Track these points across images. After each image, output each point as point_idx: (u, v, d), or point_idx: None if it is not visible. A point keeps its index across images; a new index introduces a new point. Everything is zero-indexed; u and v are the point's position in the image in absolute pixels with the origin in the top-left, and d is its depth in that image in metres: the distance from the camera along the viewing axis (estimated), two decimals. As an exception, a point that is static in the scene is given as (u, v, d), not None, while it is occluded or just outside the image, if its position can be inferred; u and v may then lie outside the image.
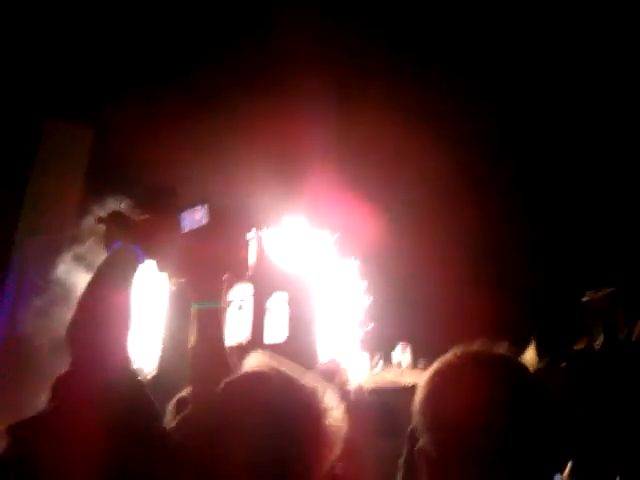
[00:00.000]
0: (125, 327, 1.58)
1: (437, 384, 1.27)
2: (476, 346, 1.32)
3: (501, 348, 1.30)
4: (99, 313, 1.59)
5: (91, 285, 1.67)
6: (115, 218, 1.76)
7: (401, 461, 2.05)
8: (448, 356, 1.31)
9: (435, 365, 1.31)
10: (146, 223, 1.71)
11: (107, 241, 1.80)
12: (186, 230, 1.62)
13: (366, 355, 17.55)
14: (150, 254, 1.75)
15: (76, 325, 1.58)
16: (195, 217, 1.56)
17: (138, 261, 1.77)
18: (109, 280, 1.69)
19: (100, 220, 1.75)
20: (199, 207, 1.58)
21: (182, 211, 1.63)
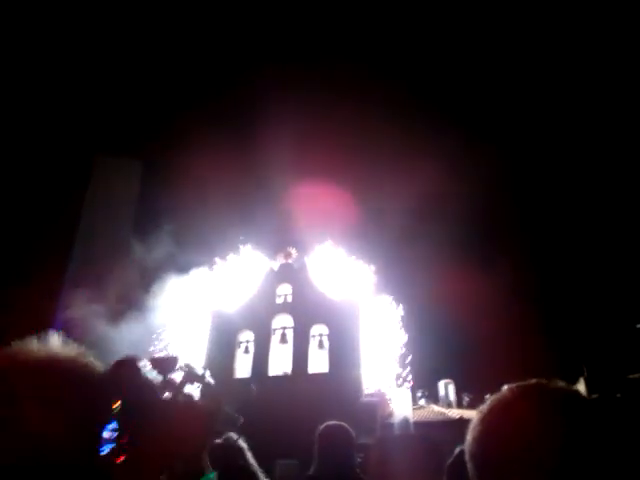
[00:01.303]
0: None
1: (491, 423, 1.16)
2: (533, 381, 1.21)
3: (560, 382, 1.19)
4: None
5: None
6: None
7: None
8: (502, 392, 1.20)
9: (488, 402, 1.21)
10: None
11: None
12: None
13: (409, 389, 17.30)
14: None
15: None
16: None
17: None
18: None
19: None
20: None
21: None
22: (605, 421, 1.09)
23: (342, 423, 3.85)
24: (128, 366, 1.38)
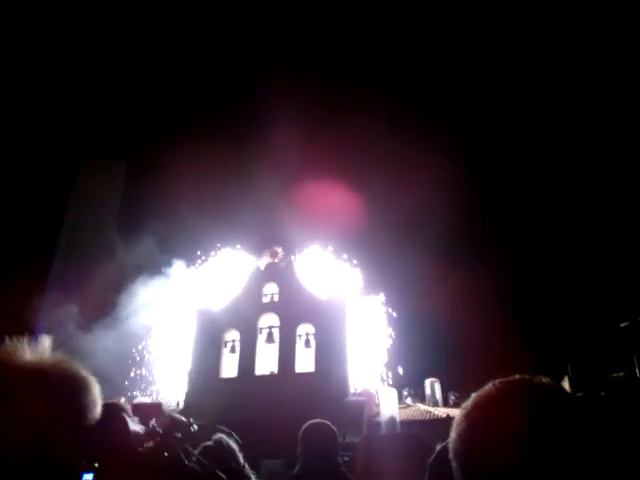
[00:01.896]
0: None
1: (475, 420, 1.14)
2: (516, 377, 1.20)
3: (544, 378, 1.19)
4: None
5: None
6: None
7: None
8: (486, 388, 1.19)
9: (472, 398, 1.20)
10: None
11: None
12: None
13: (395, 388, 17.35)
14: None
15: None
16: None
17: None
18: None
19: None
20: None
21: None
22: (590, 417, 1.09)
23: (324, 421, 3.83)
24: (116, 418, 1.34)
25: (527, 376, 1.16)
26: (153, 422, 1.55)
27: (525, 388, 1.13)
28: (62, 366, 1.30)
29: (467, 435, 1.12)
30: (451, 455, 1.16)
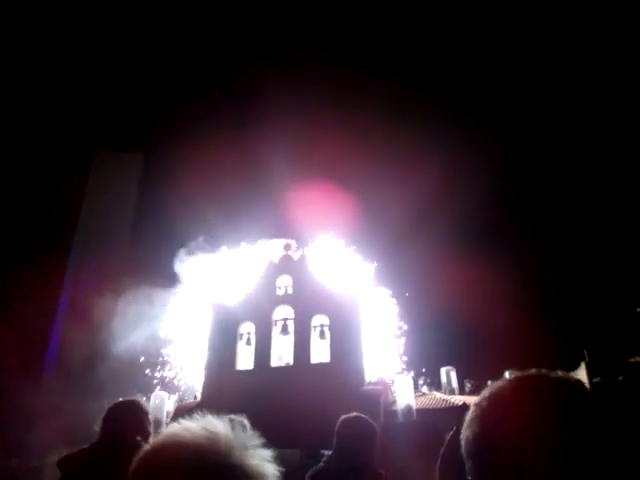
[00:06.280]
0: None
1: (489, 422, 1.12)
2: (532, 371, 1.13)
3: (560, 372, 1.14)
4: None
5: None
6: None
7: None
8: (501, 384, 1.15)
9: (486, 396, 1.17)
10: None
11: None
12: None
13: (411, 377, 17.36)
14: None
15: None
16: None
17: None
18: None
19: None
20: None
21: None
22: (611, 412, 1.04)
23: (362, 415, 3.73)
24: None
25: (543, 371, 1.12)
26: None
27: (541, 385, 1.08)
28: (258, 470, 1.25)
29: (482, 435, 1.09)
30: (465, 455, 1.13)
